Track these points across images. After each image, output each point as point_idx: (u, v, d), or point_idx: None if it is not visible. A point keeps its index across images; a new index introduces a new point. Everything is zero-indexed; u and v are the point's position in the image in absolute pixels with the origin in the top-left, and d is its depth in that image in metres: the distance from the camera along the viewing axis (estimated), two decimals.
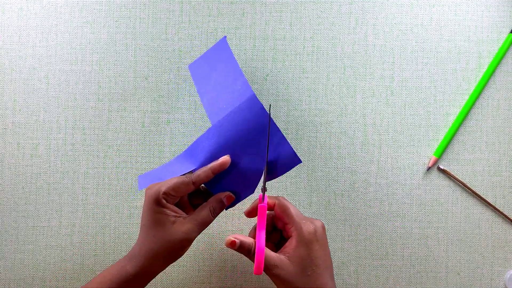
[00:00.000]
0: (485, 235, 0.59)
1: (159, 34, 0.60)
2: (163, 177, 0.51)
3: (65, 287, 0.59)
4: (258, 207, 0.48)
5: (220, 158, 0.49)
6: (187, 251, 0.59)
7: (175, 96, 0.60)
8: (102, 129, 0.60)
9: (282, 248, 0.48)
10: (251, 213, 0.51)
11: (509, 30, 0.60)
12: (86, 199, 0.59)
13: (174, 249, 0.48)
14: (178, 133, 0.60)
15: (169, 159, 0.60)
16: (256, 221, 0.49)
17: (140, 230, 0.49)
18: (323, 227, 0.49)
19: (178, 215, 0.49)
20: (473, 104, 0.59)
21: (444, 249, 0.59)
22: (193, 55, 0.60)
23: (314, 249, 0.47)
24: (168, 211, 0.48)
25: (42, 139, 0.60)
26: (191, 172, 0.50)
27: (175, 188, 0.48)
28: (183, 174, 0.50)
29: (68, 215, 0.59)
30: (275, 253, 0.48)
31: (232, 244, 0.48)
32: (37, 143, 0.60)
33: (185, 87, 0.60)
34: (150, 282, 0.58)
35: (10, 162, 0.60)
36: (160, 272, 0.50)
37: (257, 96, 0.60)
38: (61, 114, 0.60)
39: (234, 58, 0.51)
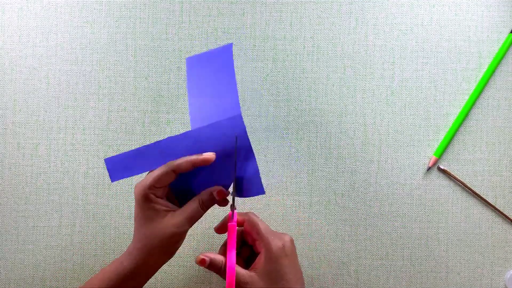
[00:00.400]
0: (485, 235, 0.59)
1: (159, 34, 0.60)
2: (132, 166, 0.50)
3: (65, 287, 0.59)
4: (228, 226, 0.49)
5: (204, 154, 0.49)
6: (187, 251, 0.59)
7: (175, 96, 0.60)
8: (102, 129, 0.60)
9: (252, 264, 0.49)
10: (220, 229, 0.51)
11: (509, 30, 0.60)
12: (86, 199, 0.59)
13: (167, 244, 0.48)
14: (178, 133, 0.60)
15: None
16: (226, 237, 0.49)
17: (134, 228, 0.49)
18: (292, 241, 0.49)
19: (168, 208, 0.49)
20: (473, 104, 0.59)
21: (444, 249, 0.59)
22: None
23: (283, 264, 0.47)
24: (158, 206, 0.48)
25: (42, 139, 0.60)
26: None
27: (158, 180, 0.48)
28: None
29: (68, 215, 0.59)
30: (245, 270, 0.48)
31: (202, 262, 0.48)
32: (37, 143, 0.60)
33: (185, 87, 0.60)
34: (151, 282, 0.58)
35: (10, 162, 0.60)
36: (158, 269, 0.50)
37: (257, 96, 0.60)
38: (61, 114, 0.60)
39: (233, 69, 0.50)
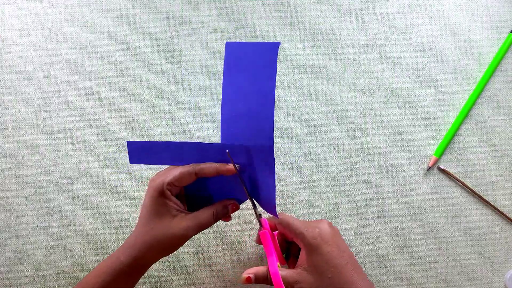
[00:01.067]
0: (485, 235, 0.59)
1: (159, 34, 0.60)
2: (151, 156, 0.49)
3: (65, 287, 0.59)
4: (260, 234, 0.49)
5: (230, 164, 0.48)
6: (187, 251, 0.59)
7: (175, 96, 0.60)
8: (102, 129, 0.60)
9: (297, 262, 0.49)
10: (259, 240, 0.52)
11: (509, 30, 0.60)
12: (86, 199, 0.59)
13: (170, 244, 0.48)
14: (178, 133, 0.60)
15: None
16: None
17: (138, 221, 0.49)
18: (330, 225, 0.49)
19: (180, 209, 0.49)
20: (473, 104, 0.59)
21: (444, 249, 0.59)
22: (193, 55, 0.60)
23: (324, 252, 0.47)
24: (171, 203, 0.48)
25: (42, 139, 0.60)
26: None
27: (180, 179, 0.48)
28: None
29: (68, 215, 0.59)
30: (292, 270, 0.48)
31: (248, 280, 0.48)
32: (37, 143, 0.60)
33: (185, 87, 0.60)
34: (151, 282, 0.58)
35: (10, 162, 0.60)
36: (153, 264, 0.50)
37: None
38: (61, 114, 0.60)
39: (275, 76, 0.45)
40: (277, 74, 0.60)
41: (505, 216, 0.59)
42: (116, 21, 0.61)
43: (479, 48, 0.60)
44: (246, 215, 0.59)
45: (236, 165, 0.48)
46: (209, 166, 0.48)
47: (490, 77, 0.59)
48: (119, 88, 0.60)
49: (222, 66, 0.60)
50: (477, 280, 0.59)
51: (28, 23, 0.60)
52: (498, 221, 0.59)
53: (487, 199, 0.59)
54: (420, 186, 0.59)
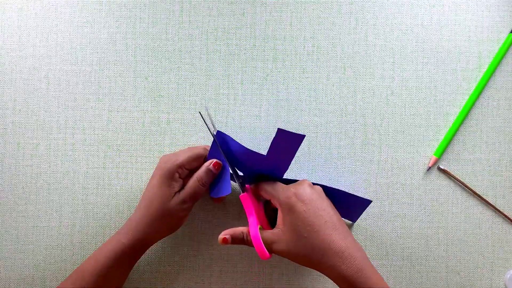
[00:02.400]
0: (485, 235, 0.59)
1: (159, 34, 0.60)
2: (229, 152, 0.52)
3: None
4: (240, 198, 0.51)
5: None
6: (187, 251, 0.59)
7: (175, 96, 0.60)
8: (102, 129, 0.60)
9: (276, 224, 0.50)
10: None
11: (509, 30, 0.60)
12: (86, 199, 0.59)
13: (171, 222, 0.51)
14: (178, 133, 0.60)
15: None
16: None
17: (140, 202, 0.51)
18: (310, 186, 0.49)
19: (179, 190, 0.51)
20: (473, 104, 0.59)
21: (444, 249, 0.59)
22: (193, 55, 0.60)
23: (299, 211, 0.47)
24: (176, 185, 0.51)
25: (42, 139, 0.60)
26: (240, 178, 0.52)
27: (191, 162, 0.51)
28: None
29: (68, 215, 0.59)
30: (270, 230, 0.49)
31: (224, 241, 0.49)
32: (37, 143, 0.60)
33: (185, 87, 0.60)
34: (151, 282, 0.58)
35: (10, 162, 0.60)
36: (154, 244, 0.53)
37: (257, 96, 0.60)
38: (61, 114, 0.60)
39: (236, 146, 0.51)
40: (276, 74, 0.60)
41: (505, 216, 0.59)
42: (116, 21, 0.61)
43: (479, 48, 0.60)
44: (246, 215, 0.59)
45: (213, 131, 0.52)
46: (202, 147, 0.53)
47: (490, 77, 0.59)
48: (119, 88, 0.60)
49: (222, 66, 0.60)
50: (477, 280, 0.59)
51: (28, 23, 0.60)
52: (498, 221, 0.59)
53: (487, 199, 0.59)
54: (420, 186, 0.59)
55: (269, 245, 0.48)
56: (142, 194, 0.53)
